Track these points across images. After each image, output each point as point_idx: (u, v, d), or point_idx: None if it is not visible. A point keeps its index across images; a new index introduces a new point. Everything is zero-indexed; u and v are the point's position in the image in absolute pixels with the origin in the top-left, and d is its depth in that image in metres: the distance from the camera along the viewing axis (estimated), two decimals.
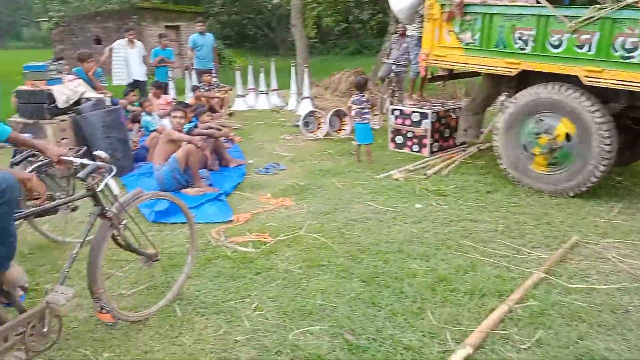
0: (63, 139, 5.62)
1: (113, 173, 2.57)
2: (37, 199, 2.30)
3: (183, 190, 5.25)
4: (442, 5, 5.62)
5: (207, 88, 9.15)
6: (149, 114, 7.83)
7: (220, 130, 6.46)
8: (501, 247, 3.86)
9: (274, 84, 11.21)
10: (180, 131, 5.49)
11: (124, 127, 6.32)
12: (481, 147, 6.74)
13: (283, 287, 3.29)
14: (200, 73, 9.79)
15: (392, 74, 8.60)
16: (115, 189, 2.65)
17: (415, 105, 7.04)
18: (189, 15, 20.02)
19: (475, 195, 5.08)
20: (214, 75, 9.75)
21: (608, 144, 4.78)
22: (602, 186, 5.20)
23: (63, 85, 5.87)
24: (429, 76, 6.45)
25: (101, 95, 6.38)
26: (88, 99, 5.91)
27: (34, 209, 2.42)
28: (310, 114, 8.22)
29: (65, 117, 5.72)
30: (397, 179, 5.61)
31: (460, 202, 4.88)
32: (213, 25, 23.54)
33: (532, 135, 5.22)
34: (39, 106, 5.62)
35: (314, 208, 4.80)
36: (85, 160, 2.51)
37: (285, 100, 11.02)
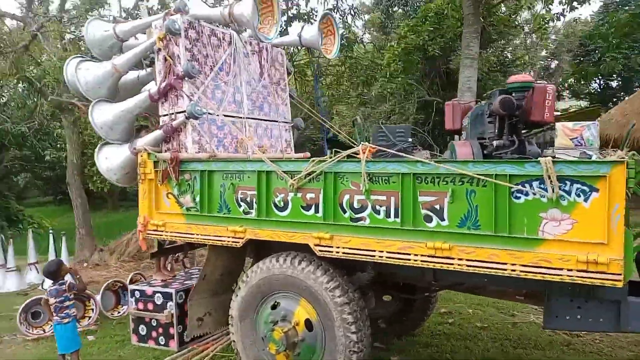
0: None
1: None
2: None
3: None
4: (156, 162, 4.44)
5: None
6: None
7: None
8: None
9: (32, 256, 8.99)
10: None
11: None
12: None
13: None
14: None
15: None
16: None
17: (162, 281, 5.50)
18: None
19: None
20: None
21: (354, 332, 3.61)
22: None
23: None
24: (154, 249, 5.00)
25: None
26: None
27: None
28: (35, 302, 6.17)
29: None
30: None
31: None
32: None
33: (269, 326, 3.91)
34: None
35: None
36: None
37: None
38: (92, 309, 6.35)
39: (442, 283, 3.99)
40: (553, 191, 2.92)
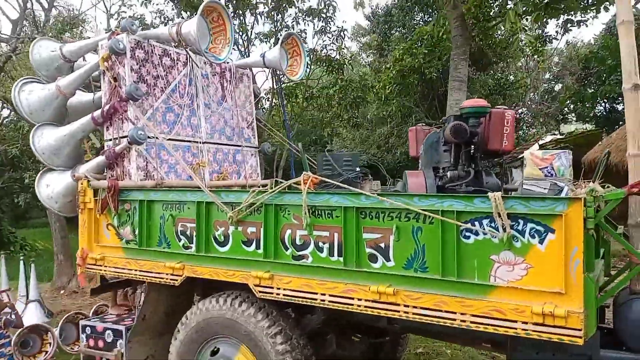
0: None
1: None
2: None
3: None
4: (95, 190, 4.13)
5: None
6: None
7: None
8: None
9: (4, 283, 8.65)
10: None
11: None
12: None
13: None
14: None
15: None
16: None
17: (117, 316, 5.14)
18: None
19: None
20: None
21: None
22: None
23: None
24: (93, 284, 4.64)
25: None
26: None
27: None
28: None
29: None
30: None
31: None
32: None
33: None
34: None
35: None
36: None
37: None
38: (50, 343, 5.98)
39: (398, 328, 3.59)
40: (504, 230, 2.55)
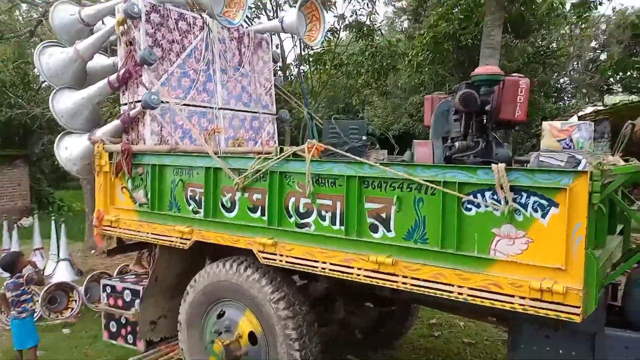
0: None
1: None
2: None
3: None
4: (110, 154, 4.21)
5: None
6: None
7: None
8: None
9: (38, 242, 9.05)
10: None
11: None
12: None
13: None
14: None
15: None
16: None
17: (137, 276, 5.32)
18: None
19: None
20: None
21: (297, 349, 3.26)
22: None
23: None
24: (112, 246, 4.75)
25: None
26: None
27: None
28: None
29: None
30: None
31: None
32: None
33: (213, 336, 3.61)
34: None
35: None
36: None
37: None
38: (75, 301, 6.27)
39: (403, 297, 3.56)
40: (507, 203, 2.46)
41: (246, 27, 5.36)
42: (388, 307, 4.39)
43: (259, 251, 3.35)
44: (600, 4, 10.64)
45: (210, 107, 4.80)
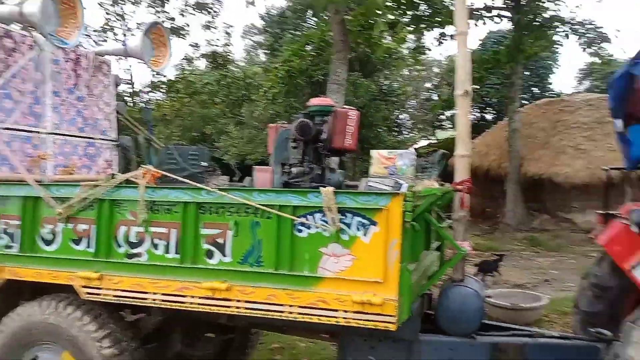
0: None
1: None
2: None
3: None
4: None
5: None
6: None
7: None
8: None
9: None
10: None
11: None
12: None
13: None
14: None
15: None
16: None
17: None
18: None
19: None
20: None
21: None
22: None
23: None
24: None
25: None
26: None
27: None
28: None
29: None
30: None
31: None
32: None
33: None
34: None
35: None
36: None
37: None
38: None
39: (240, 323, 3.51)
40: (334, 223, 2.60)
41: (85, 49, 5.03)
42: (228, 335, 4.31)
43: (82, 286, 3.07)
44: (428, 49, 12.10)
45: (36, 132, 4.35)
